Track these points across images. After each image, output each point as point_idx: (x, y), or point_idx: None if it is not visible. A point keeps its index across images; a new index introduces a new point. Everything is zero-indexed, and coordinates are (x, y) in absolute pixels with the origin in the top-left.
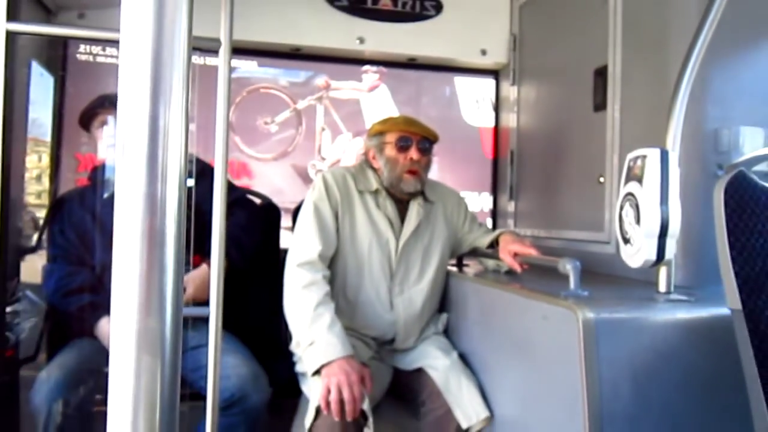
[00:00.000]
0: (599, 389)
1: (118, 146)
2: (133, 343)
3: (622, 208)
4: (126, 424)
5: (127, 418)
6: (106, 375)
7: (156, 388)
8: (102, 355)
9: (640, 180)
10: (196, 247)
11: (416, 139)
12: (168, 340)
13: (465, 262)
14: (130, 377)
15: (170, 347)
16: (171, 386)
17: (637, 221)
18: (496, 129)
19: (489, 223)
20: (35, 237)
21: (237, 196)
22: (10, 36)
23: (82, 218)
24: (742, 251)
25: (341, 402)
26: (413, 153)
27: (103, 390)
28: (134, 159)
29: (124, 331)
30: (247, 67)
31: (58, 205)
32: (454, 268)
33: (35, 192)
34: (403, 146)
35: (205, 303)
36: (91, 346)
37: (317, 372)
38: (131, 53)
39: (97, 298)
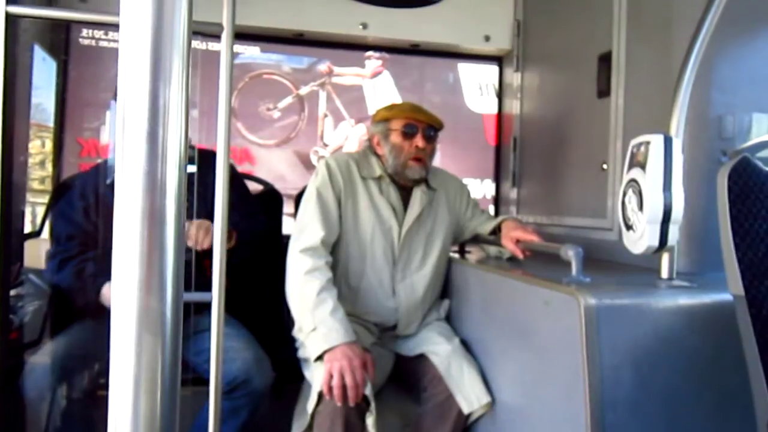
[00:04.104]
0: (601, 375)
1: (118, 126)
2: (134, 322)
3: (625, 194)
4: (127, 401)
5: (128, 396)
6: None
7: (157, 367)
8: (106, 337)
9: (643, 166)
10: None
11: (422, 126)
12: (169, 319)
13: (467, 248)
14: (131, 356)
15: (171, 327)
16: (172, 365)
17: (640, 207)
18: (499, 115)
19: (491, 209)
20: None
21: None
22: (11, 19)
23: (88, 202)
24: (745, 237)
25: (343, 387)
26: (419, 140)
27: (107, 373)
28: (134, 138)
29: (125, 310)
30: (250, 52)
31: (62, 189)
32: (457, 255)
33: (39, 177)
34: (408, 133)
35: (208, 288)
36: (95, 328)
37: (320, 357)
38: (131, 33)
39: (101, 279)
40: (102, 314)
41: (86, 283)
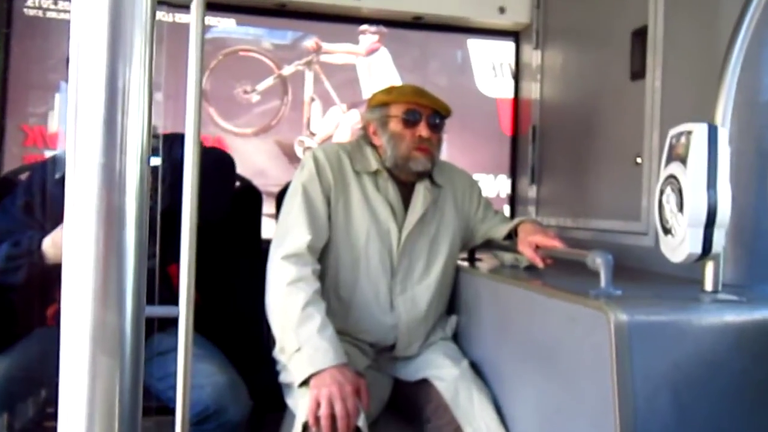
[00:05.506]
0: (633, 403)
1: (70, 111)
2: (87, 341)
3: (662, 193)
4: None
5: (80, 428)
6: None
7: (114, 394)
8: (54, 358)
9: (683, 160)
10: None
11: (426, 113)
12: (128, 337)
13: (478, 255)
14: (84, 381)
15: (131, 346)
16: (132, 392)
17: (680, 208)
18: (516, 101)
19: (507, 210)
20: None
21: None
22: None
23: (33, 199)
24: None
25: (333, 417)
26: (422, 129)
27: (56, 401)
28: (89, 125)
29: (77, 326)
30: (224, 25)
31: (3, 184)
32: (466, 263)
33: None
34: (410, 121)
35: (173, 301)
36: (42, 347)
37: (305, 383)
38: (85, 5)
39: (48, 284)
40: (51, 331)
41: (25, 248)
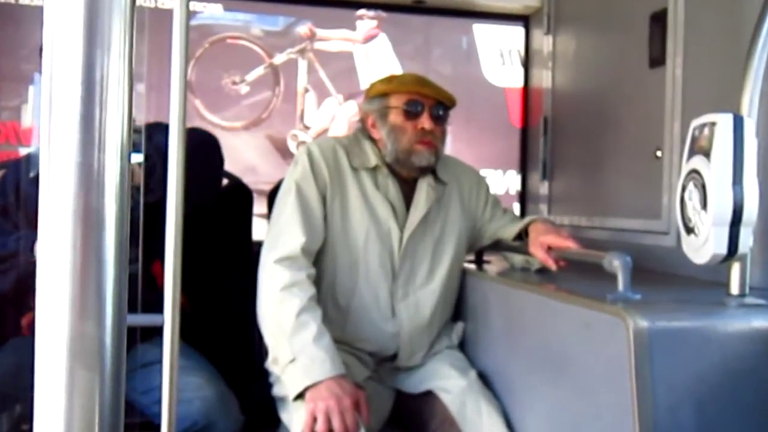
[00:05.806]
0: (654, 416)
1: (45, 105)
2: (65, 352)
3: (684, 189)
4: None
5: None
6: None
7: (94, 410)
8: (29, 371)
9: (707, 154)
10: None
11: (429, 103)
12: (108, 348)
13: (486, 257)
14: (61, 395)
15: (111, 358)
16: (113, 408)
17: (704, 206)
18: (526, 90)
19: (516, 208)
20: None
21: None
22: None
23: (7, 201)
24: None
25: None
26: (425, 121)
27: (31, 418)
28: (64, 120)
29: (53, 337)
30: (210, 11)
31: None
32: (473, 266)
33: None
34: (411, 112)
35: (158, 304)
36: (15, 359)
37: (300, 396)
38: None
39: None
40: (26, 342)
41: (13, 250)
